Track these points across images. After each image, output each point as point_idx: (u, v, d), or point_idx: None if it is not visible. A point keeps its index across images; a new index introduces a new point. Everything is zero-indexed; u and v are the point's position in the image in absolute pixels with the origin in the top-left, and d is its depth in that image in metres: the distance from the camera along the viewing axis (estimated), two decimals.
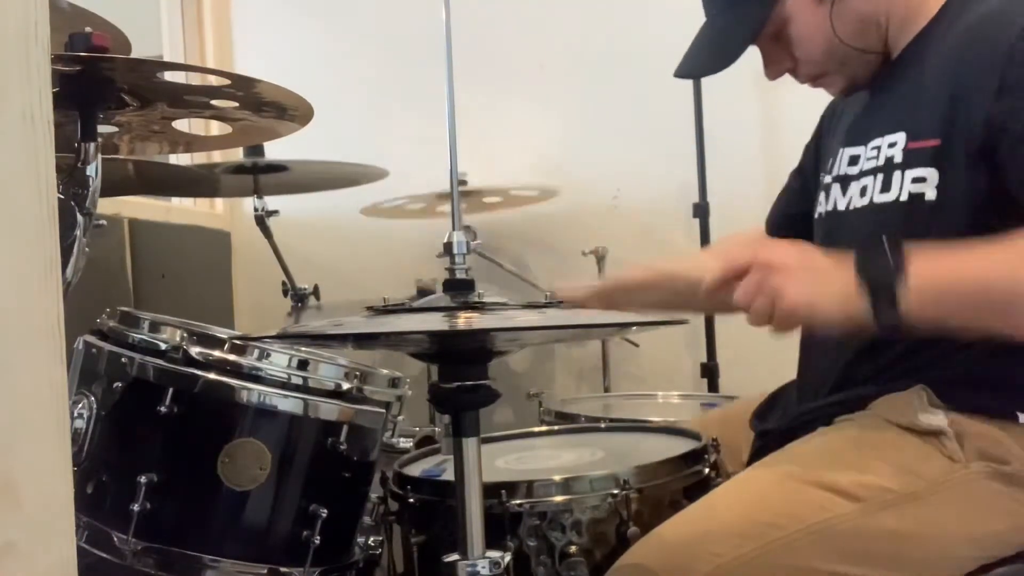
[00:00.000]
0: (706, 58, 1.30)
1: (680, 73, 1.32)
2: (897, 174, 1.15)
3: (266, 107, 1.29)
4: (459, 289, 0.98)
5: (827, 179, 1.31)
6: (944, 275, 1.01)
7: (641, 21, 2.57)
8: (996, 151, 1.06)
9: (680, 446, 1.30)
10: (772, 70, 1.29)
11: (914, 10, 1.21)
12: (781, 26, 1.23)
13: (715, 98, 2.47)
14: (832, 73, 1.27)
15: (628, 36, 2.59)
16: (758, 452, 1.25)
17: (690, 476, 1.22)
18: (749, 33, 1.23)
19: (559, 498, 1.15)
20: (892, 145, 1.17)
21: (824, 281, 1.03)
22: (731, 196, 2.48)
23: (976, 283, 1.00)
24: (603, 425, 1.65)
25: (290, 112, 1.31)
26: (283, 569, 1.25)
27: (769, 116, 2.51)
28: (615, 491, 1.15)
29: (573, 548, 1.14)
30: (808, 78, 1.29)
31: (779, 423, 1.27)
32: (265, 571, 1.24)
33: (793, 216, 1.46)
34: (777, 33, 1.24)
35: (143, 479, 1.21)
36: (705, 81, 2.46)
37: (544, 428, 1.67)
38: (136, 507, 1.21)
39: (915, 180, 1.13)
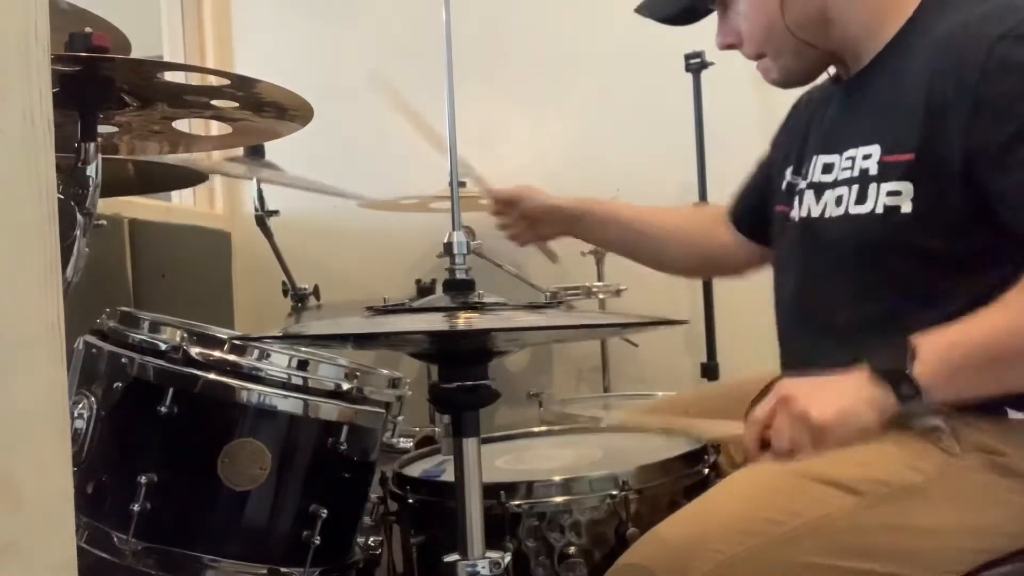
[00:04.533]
0: (661, 4, 1.36)
1: (636, 9, 1.39)
2: (872, 186, 1.15)
3: (266, 107, 1.29)
4: (459, 289, 0.98)
5: (801, 184, 1.31)
6: (951, 347, 1.03)
7: (641, 21, 2.57)
8: (974, 170, 1.07)
9: (680, 446, 1.30)
10: (720, 38, 1.32)
11: (882, 15, 1.20)
12: None
13: (715, 98, 2.47)
14: (769, 58, 1.28)
15: (628, 36, 2.59)
16: None
17: (690, 476, 1.23)
18: None
19: (558, 499, 1.15)
20: (867, 157, 1.17)
21: (842, 390, 1.05)
22: (731, 196, 2.48)
23: (982, 347, 1.03)
24: (603, 425, 1.64)
25: (290, 112, 1.31)
26: (283, 569, 1.25)
27: (769, 116, 2.49)
28: (614, 492, 1.15)
29: (572, 549, 1.14)
30: (748, 55, 1.30)
31: None
32: (265, 571, 1.24)
33: (757, 210, 1.49)
34: (729, 2, 1.27)
35: (143, 479, 1.21)
36: (705, 81, 2.47)
37: (544, 428, 1.67)
38: (136, 507, 1.21)
39: (890, 193, 1.13)
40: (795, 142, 1.39)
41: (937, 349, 1.03)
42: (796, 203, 1.31)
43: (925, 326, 1.08)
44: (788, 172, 1.36)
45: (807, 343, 1.27)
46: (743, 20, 1.26)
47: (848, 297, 1.20)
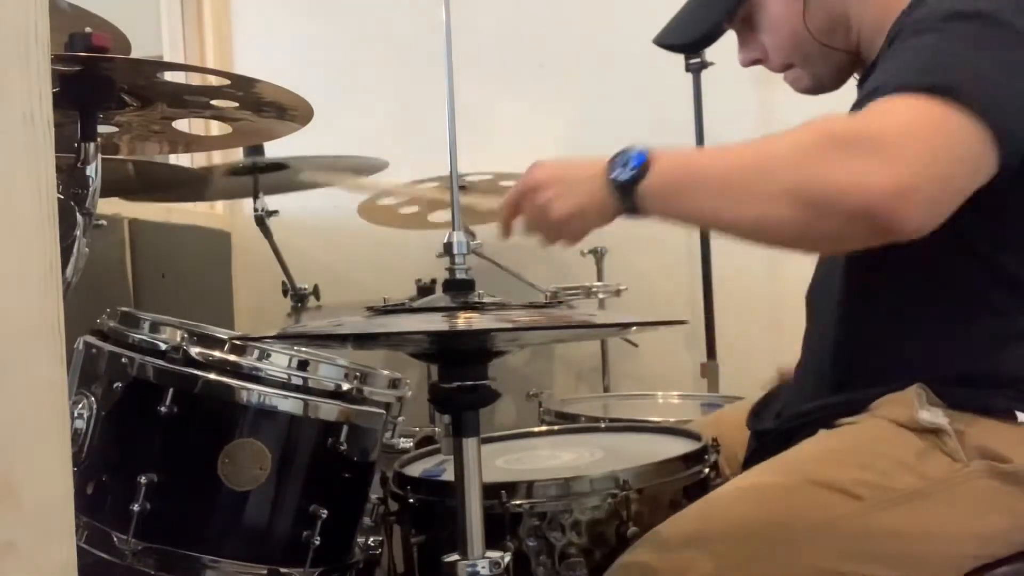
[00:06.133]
0: (680, 32, 1.34)
1: (655, 40, 1.37)
2: None
3: (266, 107, 1.30)
4: (459, 289, 0.98)
5: None
6: (688, 168, 1.04)
7: (641, 20, 2.57)
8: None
9: (680, 446, 1.30)
10: (744, 55, 1.33)
11: (881, 15, 1.21)
12: (754, 11, 1.26)
13: (715, 97, 2.47)
14: (797, 67, 1.29)
15: (628, 35, 2.59)
16: (755, 452, 1.25)
17: (690, 476, 1.22)
18: (721, 13, 1.27)
19: (559, 498, 1.15)
20: None
21: (581, 188, 1.08)
22: None
23: (718, 177, 1.02)
24: (603, 425, 1.64)
25: (290, 112, 1.31)
26: (283, 569, 1.25)
27: (769, 116, 2.50)
28: (615, 491, 1.14)
29: (573, 548, 1.14)
30: (776, 68, 1.31)
31: (777, 423, 1.28)
32: (265, 571, 1.24)
33: None
34: (750, 18, 1.28)
35: (143, 479, 1.21)
36: (705, 80, 2.47)
37: (544, 428, 1.67)
38: (136, 507, 1.20)
39: None
40: None
41: (673, 168, 1.03)
42: None
43: (931, 318, 1.08)
44: None
45: (818, 335, 1.28)
46: (767, 34, 1.27)
47: (854, 292, 1.20)
